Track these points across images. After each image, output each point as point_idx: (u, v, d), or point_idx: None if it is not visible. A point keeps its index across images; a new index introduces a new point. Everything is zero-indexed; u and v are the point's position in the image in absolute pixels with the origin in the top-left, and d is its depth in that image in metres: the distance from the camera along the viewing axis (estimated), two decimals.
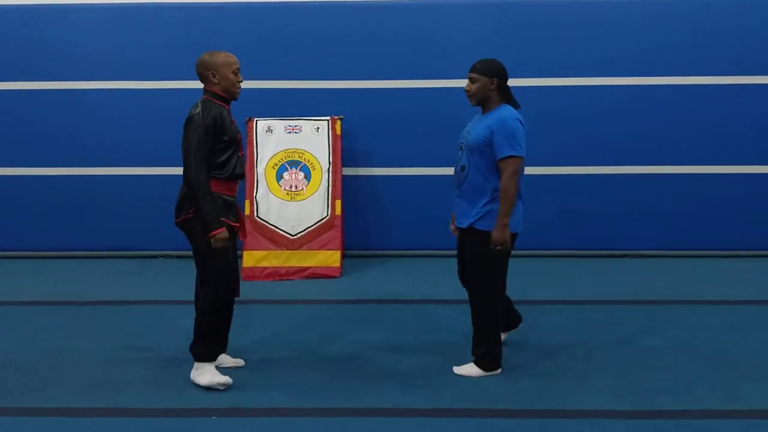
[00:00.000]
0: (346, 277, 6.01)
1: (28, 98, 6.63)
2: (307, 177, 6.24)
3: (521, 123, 3.70)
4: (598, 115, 6.50)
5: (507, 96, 3.78)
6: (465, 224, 3.75)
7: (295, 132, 6.31)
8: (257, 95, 6.23)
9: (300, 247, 6.07)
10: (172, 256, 6.57)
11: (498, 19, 6.48)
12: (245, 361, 3.96)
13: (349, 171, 6.57)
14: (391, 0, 6.53)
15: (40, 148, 6.67)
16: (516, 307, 4.19)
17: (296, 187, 6.23)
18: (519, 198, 3.74)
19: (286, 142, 6.29)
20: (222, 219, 3.52)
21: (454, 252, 4.00)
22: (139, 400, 3.51)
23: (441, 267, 6.03)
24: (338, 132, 6.33)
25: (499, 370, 3.80)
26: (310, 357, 4.10)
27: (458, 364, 3.85)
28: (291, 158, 6.28)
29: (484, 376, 3.75)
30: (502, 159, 3.62)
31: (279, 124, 6.32)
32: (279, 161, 6.26)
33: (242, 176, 3.71)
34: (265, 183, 6.23)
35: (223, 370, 3.80)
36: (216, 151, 3.53)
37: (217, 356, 3.75)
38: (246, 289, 5.31)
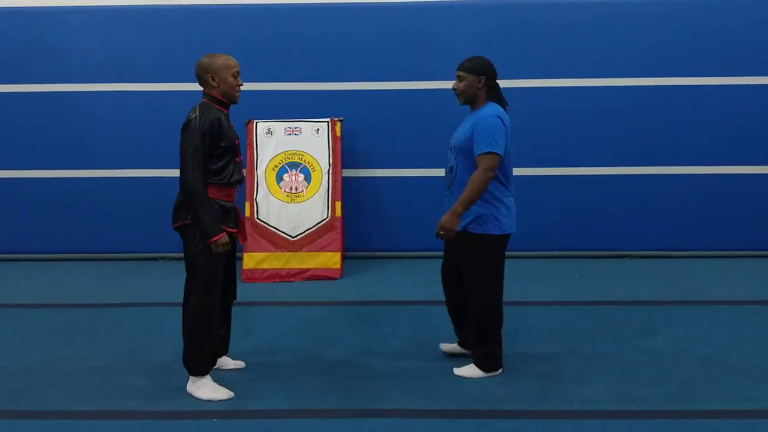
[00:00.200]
0: (346, 279, 6.01)
1: (25, 101, 6.62)
2: (307, 179, 6.24)
3: (503, 121, 3.62)
4: (600, 115, 6.49)
5: (495, 94, 3.74)
6: (458, 227, 3.69)
7: (295, 134, 6.30)
8: (257, 97, 6.24)
9: (300, 249, 6.06)
10: (171, 258, 6.56)
11: (500, 21, 6.47)
12: (245, 363, 3.95)
13: (349, 172, 6.56)
14: (392, 1, 6.53)
15: (38, 151, 6.67)
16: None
17: (296, 188, 6.22)
18: (511, 197, 3.73)
19: (286, 143, 6.29)
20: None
21: None
22: (138, 402, 3.50)
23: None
24: (338, 133, 6.33)
25: (500, 371, 3.79)
26: (311, 359, 4.09)
27: (459, 366, 3.84)
28: (291, 160, 6.27)
29: (485, 378, 3.74)
30: (478, 155, 3.56)
31: (279, 126, 6.32)
32: (279, 163, 6.26)
33: (240, 182, 3.61)
34: (265, 185, 6.22)
35: (224, 372, 3.79)
36: (213, 157, 3.44)
37: (211, 369, 3.59)
38: (246, 291, 5.34)
